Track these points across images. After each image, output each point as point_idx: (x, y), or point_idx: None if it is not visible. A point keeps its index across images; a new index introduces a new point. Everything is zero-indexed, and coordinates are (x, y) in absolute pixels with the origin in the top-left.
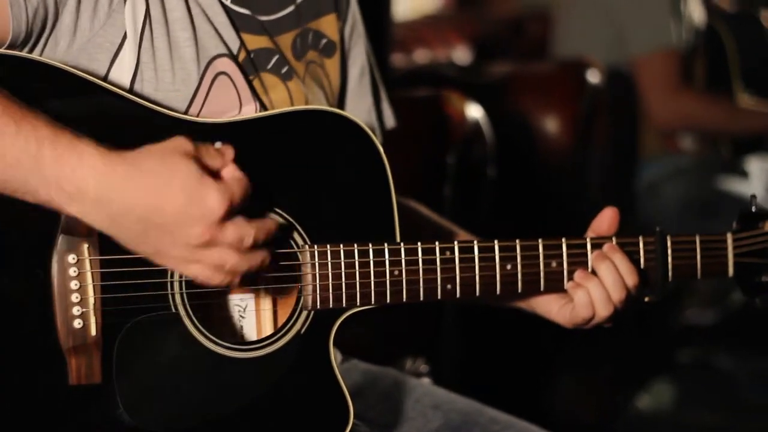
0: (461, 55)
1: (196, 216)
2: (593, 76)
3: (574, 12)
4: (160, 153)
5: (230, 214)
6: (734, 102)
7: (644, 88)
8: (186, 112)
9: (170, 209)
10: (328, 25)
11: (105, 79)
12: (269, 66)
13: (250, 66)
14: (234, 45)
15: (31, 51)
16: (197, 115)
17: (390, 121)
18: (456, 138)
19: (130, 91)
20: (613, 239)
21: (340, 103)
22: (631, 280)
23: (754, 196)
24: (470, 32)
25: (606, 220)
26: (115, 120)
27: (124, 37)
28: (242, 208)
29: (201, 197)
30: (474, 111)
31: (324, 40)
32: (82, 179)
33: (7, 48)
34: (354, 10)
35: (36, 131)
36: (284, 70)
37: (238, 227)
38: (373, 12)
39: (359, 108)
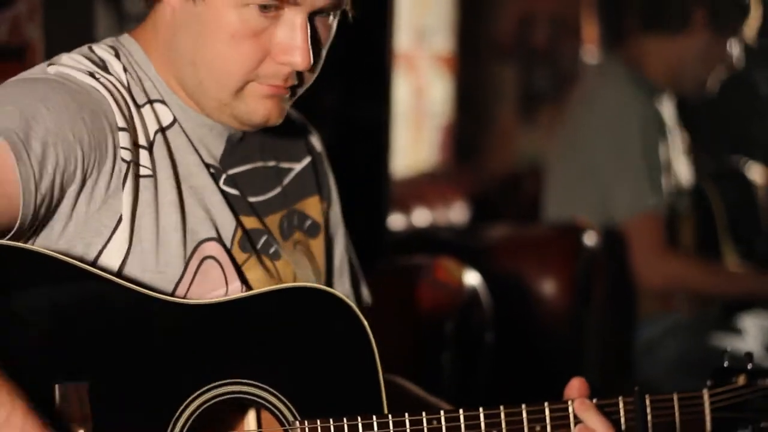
0: (459, 212)
1: None
2: (589, 239)
3: (561, 171)
4: None
5: None
6: (723, 264)
7: (632, 250)
8: (173, 294)
9: None
10: (311, 206)
11: (95, 262)
12: (259, 246)
13: (248, 245)
14: (230, 225)
15: (30, 236)
16: (183, 297)
17: (366, 300)
18: (454, 306)
19: (119, 273)
20: (594, 400)
21: (327, 281)
22: None
23: (725, 351)
24: (468, 189)
25: (575, 390)
26: (105, 304)
27: (119, 221)
28: None
29: None
30: (471, 278)
31: (308, 221)
32: None
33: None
34: (334, 196)
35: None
36: (272, 250)
37: None
38: (371, 173)
39: (342, 289)
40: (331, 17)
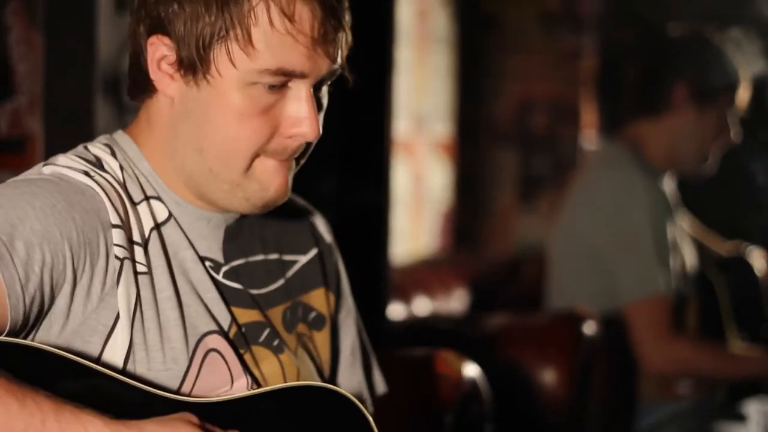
0: (459, 299)
1: None
2: (589, 329)
3: (564, 257)
4: (165, 420)
5: None
6: (728, 348)
7: (635, 335)
8: (178, 390)
9: None
10: (316, 299)
11: (98, 360)
12: (261, 339)
13: (242, 340)
14: (225, 320)
15: (26, 334)
16: (189, 393)
17: (380, 387)
18: (454, 399)
19: (123, 371)
20: None
21: (332, 375)
22: None
23: None
24: (468, 276)
25: None
26: (110, 403)
27: (117, 318)
28: None
29: None
30: (470, 370)
31: (313, 314)
32: None
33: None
34: (344, 286)
35: (39, 405)
36: (275, 343)
37: None
38: (371, 260)
39: (351, 383)
40: (326, 85)
